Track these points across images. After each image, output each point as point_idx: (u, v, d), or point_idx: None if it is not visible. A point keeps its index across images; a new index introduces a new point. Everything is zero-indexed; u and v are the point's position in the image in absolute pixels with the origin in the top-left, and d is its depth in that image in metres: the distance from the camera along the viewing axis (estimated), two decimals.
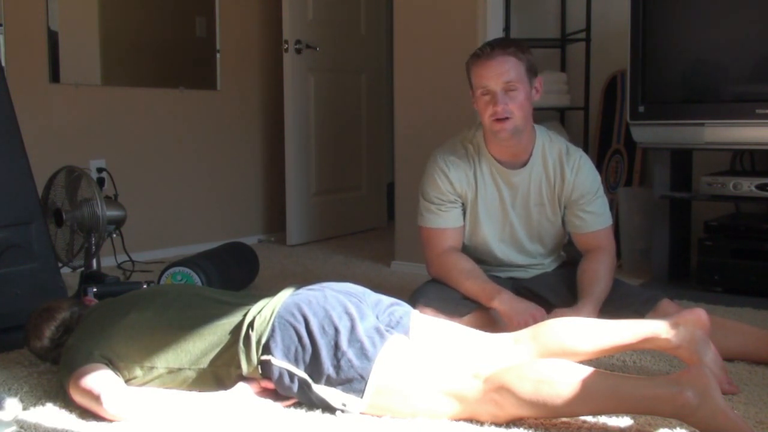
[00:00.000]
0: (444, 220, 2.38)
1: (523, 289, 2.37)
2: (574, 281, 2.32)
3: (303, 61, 4.33)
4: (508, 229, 2.40)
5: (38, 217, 2.57)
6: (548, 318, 2.07)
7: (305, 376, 1.74)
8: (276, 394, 1.80)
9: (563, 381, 1.57)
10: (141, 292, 2.10)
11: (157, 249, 3.97)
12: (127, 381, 1.85)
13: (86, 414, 1.76)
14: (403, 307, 1.96)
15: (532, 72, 2.28)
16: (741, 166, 3.27)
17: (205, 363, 1.82)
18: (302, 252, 4.18)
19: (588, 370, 1.58)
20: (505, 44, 2.28)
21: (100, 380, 1.75)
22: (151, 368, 1.84)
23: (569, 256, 2.55)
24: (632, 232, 3.47)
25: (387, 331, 1.78)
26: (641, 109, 3.02)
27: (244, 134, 4.50)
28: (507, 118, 2.23)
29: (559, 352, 1.81)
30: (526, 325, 2.04)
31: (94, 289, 2.47)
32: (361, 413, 1.72)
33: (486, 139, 2.35)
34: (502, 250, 2.42)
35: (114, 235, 3.32)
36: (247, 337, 1.78)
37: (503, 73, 2.22)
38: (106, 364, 1.82)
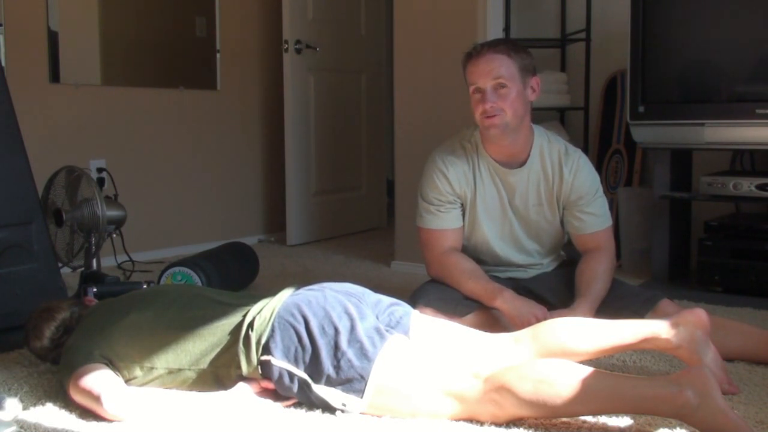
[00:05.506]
0: (443, 221, 2.38)
1: (522, 289, 2.37)
2: (573, 281, 2.32)
3: (303, 61, 4.33)
4: (507, 228, 2.40)
5: (38, 217, 2.57)
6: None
7: (305, 376, 1.74)
8: (276, 394, 1.80)
9: (563, 381, 1.57)
10: (141, 293, 2.10)
11: (157, 249, 3.97)
12: (127, 381, 1.84)
13: (86, 414, 1.76)
14: (403, 307, 1.96)
15: (527, 71, 2.27)
16: (741, 166, 3.27)
17: (204, 364, 1.82)
18: (302, 252, 4.18)
19: (588, 370, 1.58)
20: (496, 43, 2.30)
21: (100, 380, 1.75)
22: (151, 369, 1.84)
23: (569, 256, 2.55)
24: (632, 232, 3.47)
25: (387, 331, 1.78)
26: (641, 109, 3.01)
27: (244, 134, 4.50)
28: (496, 115, 2.22)
29: (559, 352, 1.81)
30: (529, 324, 2.04)
31: (94, 289, 2.46)
32: (361, 413, 1.72)
33: (482, 139, 2.35)
34: (502, 248, 2.42)
35: (114, 235, 3.32)
36: (247, 337, 1.78)
37: (492, 70, 2.22)
38: (106, 364, 1.82)
